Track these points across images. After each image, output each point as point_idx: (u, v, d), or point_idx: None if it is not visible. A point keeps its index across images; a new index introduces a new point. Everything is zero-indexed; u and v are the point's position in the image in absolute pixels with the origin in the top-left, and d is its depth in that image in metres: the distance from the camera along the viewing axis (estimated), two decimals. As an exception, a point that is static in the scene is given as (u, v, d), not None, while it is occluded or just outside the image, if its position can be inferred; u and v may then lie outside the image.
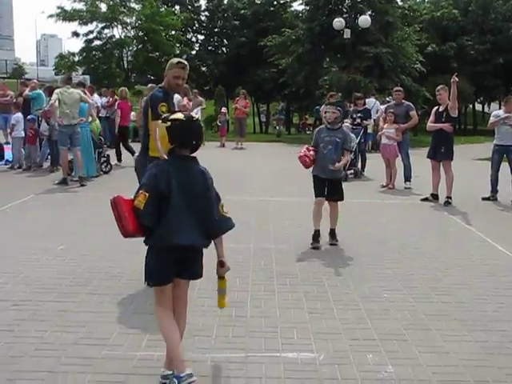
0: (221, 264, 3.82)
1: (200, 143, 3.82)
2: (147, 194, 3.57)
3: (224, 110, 26.03)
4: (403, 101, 13.00)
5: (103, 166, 14.22)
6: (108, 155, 14.49)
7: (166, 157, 3.75)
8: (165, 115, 3.85)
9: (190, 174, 3.71)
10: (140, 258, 6.37)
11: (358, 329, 4.73)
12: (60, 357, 4.09)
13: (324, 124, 7.77)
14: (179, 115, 3.76)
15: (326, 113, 7.60)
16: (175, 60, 5.98)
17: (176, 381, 3.54)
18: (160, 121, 3.77)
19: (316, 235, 7.45)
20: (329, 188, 7.51)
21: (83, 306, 5.13)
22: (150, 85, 17.74)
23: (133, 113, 18.92)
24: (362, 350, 4.33)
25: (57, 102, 12.19)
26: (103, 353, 4.18)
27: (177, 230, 3.59)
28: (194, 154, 3.80)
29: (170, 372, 3.67)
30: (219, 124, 25.90)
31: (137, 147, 15.92)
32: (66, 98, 12.17)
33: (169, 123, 3.68)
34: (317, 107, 29.60)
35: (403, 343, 4.48)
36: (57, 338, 4.43)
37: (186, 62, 5.95)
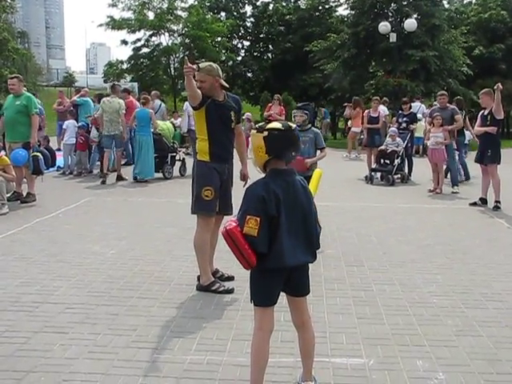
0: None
1: (298, 154, 3.58)
2: (258, 219, 3.30)
3: (247, 115, 20.80)
4: (448, 105, 12.85)
5: (181, 170, 14.81)
6: (184, 159, 15.03)
7: (260, 170, 3.53)
8: (260, 124, 3.52)
9: (294, 189, 3.46)
10: (187, 262, 6.53)
11: (408, 334, 4.69)
12: (113, 359, 4.17)
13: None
14: (277, 124, 3.44)
15: (294, 116, 7.85)
16: None
17: None
18: (255, 130, 3.47)
19: None
20: None
21: (134, 310, 5.21)
22: (153, 92, 18.25)
23: (179, 119, 19.10)
24: (411, 355, 4.29)
25: (102, 114, 13.54)
26: (154, 356, 4.24)
27: (289, 250, 3.37)
28: None
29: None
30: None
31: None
32: (107, 106, 13.43)
33: (266, 133, 3.39)
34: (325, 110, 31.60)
35: (454, 349, 4.42)
36: (109, 341, 4.51)
37: (201, 65, 5.61)
